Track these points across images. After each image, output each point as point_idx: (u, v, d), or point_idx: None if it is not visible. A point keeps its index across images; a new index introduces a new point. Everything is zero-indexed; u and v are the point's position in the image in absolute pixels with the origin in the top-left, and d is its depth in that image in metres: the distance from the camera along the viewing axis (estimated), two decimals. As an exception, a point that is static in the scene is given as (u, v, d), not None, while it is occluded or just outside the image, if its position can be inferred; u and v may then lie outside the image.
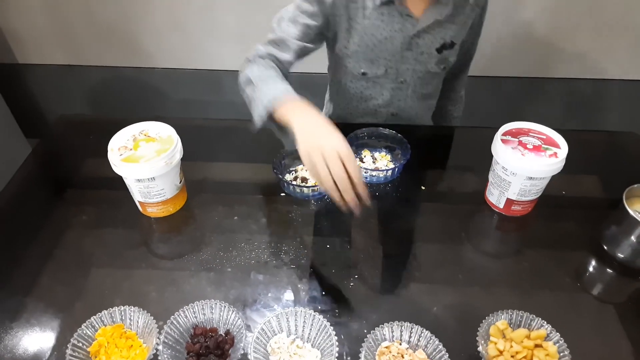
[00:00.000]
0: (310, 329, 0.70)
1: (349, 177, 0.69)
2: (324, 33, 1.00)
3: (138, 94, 1.80)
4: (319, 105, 1.29)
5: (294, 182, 0.93)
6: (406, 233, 0.90)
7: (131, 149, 0.83)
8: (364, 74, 1.04)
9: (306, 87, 1.72)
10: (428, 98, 1.15)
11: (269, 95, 0.81)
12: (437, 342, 0.67)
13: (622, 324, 0.75)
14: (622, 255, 0.82)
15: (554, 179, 0.85)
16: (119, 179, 0.85)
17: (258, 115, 0.82)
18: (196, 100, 1.82)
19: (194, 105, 1.82)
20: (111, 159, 0.82)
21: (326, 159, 0.69)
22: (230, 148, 1.09)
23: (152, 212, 0.89)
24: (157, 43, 1.67)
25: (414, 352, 0.68)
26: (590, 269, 0.84)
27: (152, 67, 1.73)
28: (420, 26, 0.95)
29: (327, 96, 1.27)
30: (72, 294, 0.77)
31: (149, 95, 1.80)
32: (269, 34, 0.96)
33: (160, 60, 1.72)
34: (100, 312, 0.69)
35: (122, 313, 0.70)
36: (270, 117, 0.81)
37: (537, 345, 0.67)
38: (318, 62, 1.66)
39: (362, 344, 0.66)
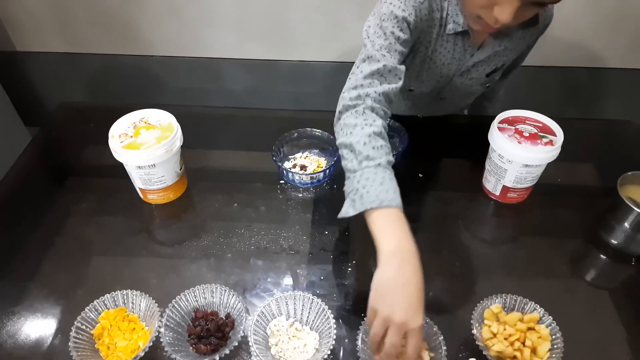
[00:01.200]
0: (309, 313, 0.71)
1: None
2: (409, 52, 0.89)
3: (137, 82, 1.80)
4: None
5: (293, 170, 0.94)
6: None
7: (132, 136, 0.84)
8: (410, 90, 1.02)
9: (304, 75, 1.74)
10: (463, 108, 1.16)
11: (372, 195, 0.66)
12: (432, 324, 0.68)
13: (615, 309, 0.77)
14: (615, 242, 0.84)
15: (550, 166, 0.86)
16: (120, 167, 0.86)
17: (351, 208, 0.68)
18: (195, 88, 1.81)
19: (192, 93, 1.82)
20: (112, 146, 0.83)
21: (390, 328, 0.60)
22: (230, 136, 1.10)
23: (153, 198, 0.90)
24: (155, 31, 1.66)
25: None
26: (584, 255, 0.86)
27: (150, 54, 1.73)
28: (479, 58, 0.92)
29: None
30: (74, 280, 0.79)
31: (148, 83, 1.80)
32: (366, 64, 0.78)
33: (159, 48, 1.72)
34: (103, 295, 0.71)
35: (125, 297, 0.72)
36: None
37: (530, 328, 0.69)
38: (318, 50, 1.67)
39: (360, 327, 0.68)
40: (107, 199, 0.93)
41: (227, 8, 1.59)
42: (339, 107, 0.77)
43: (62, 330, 0.71)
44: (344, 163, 0.72)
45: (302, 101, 1.83)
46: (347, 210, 0.68)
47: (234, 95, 1.81)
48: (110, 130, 0.85)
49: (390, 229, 0.64)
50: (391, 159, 0.71)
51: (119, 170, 0.87)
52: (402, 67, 0.79)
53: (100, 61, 1.74)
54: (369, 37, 0.81)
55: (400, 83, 0.79)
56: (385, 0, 0.82)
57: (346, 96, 0.76)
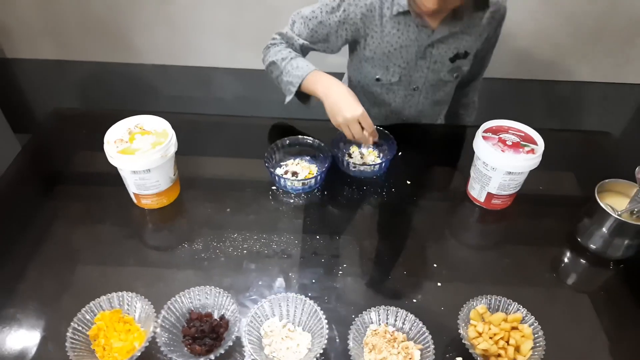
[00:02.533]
0: (302, 314, 0.73)
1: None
2: (335, 40, 1.05)
3: (127, 90, 1.81)
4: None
5: (285, 176, 0.96)
6: (392, 225, 0.94)
7: (127, 142, 0.86)
8: (378, 79, 1.07)
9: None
10: (439, 104, 1.19)
11: (295, 73, 0.98)
12: (420, 324, 0.71)
13: (594, 310, 0.81)
14: (594, 246, 0.88)
15: (532, 174, 0.90)
16: (112, 173, 0.88)
17: (289, 91, 1.00)
18: (186, 97, 1.84)
19: (183, 101, 1.84)
20: (107, 151, 0.85)
21: (350, 125, 0.91)
22: (222, 143, 1.12)
23: (147, 203, 0.92)
24: (146, 39, 1.69)
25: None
26: (565, 259, 0.90)
27: (141, 63, 1.75)
28: (435, 37, 0.98)
29: None
30: (68, 283, 0.80)
31: (138, 91, 1.81)
32: (285, 27, 1.08)
33: (150, 57, 1.74)
34: (99, 297, 0.72)
35: (120, 298, 0.73)
36: (297, 90, 0.99)
37: (513, 328, 0.72)
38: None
39: (351, 327, 0.70)
40: (100, 204, 0.94)
41: (218, 17, 1.62)
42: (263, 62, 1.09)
43: (57, 332, 0.72)
44: (273, 73, 1.06)
45: (291, 110, 1.85)
46: (287, 96, 1.02)
47: (224, 104, 1.83)
48: (105, 136, 0.86)
49: (315, 81, 0.97)
50: (299, 55, 1.05)
51: (112, 176, 0.89)
52: (300, 41, 1.05)
53: (91, 68, 1.76)
54: (301, 10, 1.05)
55: (297, 54, 1.04)
56: None
57: (263, 50, 1.08)
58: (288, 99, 1.01)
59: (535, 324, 0.71)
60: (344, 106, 0.91)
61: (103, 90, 1.81)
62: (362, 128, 0.92)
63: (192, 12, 1.61)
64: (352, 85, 1.19)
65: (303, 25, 1.04)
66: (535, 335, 0.71)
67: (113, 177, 0.90)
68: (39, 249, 0.85)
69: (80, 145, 1.08)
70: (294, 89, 0.99)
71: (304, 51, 1.08)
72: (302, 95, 1.05)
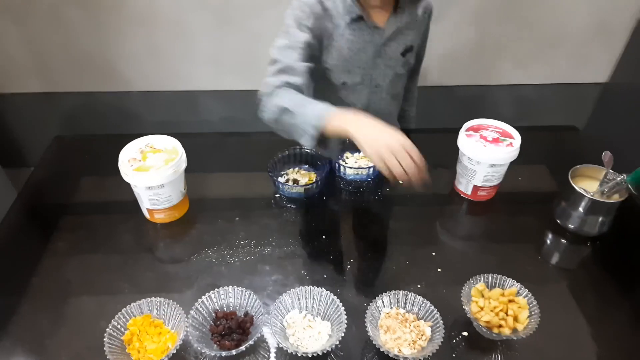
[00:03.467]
0: (319, 304, 0.79)
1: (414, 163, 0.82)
2: (316, 54, 1.07)
3: (116, 117, 1.85)
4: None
5: (287, 184, 1.03)
6: (390, 221, 1.02)
7: (140, 160, 0.91)
8: (344, 83, 1.15)
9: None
10: (397, 97, 1.29)
11: (314, 115, 0.87)
12: (428, 304, 0.78)
13: (576, 282, 0.90)
14: (572, 226, 0.97)
15: (511, 167, 1.00)
16: (122, 194, 0.95)
17: (309, 136, 0.87)
18: (173, 121, 1.89)
19: (171, 125, 1.90)
20: (122, 169, 0.90)
21: (396, 154, 0.80)
22: (223, 159, 1.18)
23: (160, 218, 0.97)
24: (134, 68, 1.74)
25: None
26: (547, 239, 0.99)
27: (129, 90, 1.80)
28: (387, 34, 1.08)
29: None
30: (101, 297, 0.84)
31: (127, 117, 1.86)
32: (271, 66, 0.98)
33: (137, 84, 1.79)
34: (130, 304, 0.77)
35: (149, 304, 0.78)
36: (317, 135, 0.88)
37: (510, 300, 0.80)
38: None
39: (366, 312, 0.77)
40: (115, 223, 0.99)
41: (203, 45, 1.69)
42: (262, 112, 0.97)
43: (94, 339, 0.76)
44: (284, 121, 0.91)
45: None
46: (306, 140, 0.89)
47: (211, 124, 1.90)
48: (119, 156, 0.92)
49: (341, 120, 0.86)
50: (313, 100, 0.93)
51: (122, 196, 0.96)
52: (301, 63, 0.98)
53: (80, 99, 1.79)
54: (274, 46, 1.00)
55: (301, 79, 0.97)
56: (288, 12, 1.02)
57: (262, 93, 0.97)
58: (307, 140, 0.89)
59: (529, 296, 0.80)
60: (384, 134, 0.82)
61: (94, 119, 1.85)
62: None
63: (177, 41, 1.68)
64: (316, 95, 1.19)
65: (293, 52, 0.99)
66: (530, 306, 0.79)
67: (124, 197, 0.96)
68: (69, 270, 0.89)
69: (86, 172, 1.12)
70: (312, 131, 0.87)
71: (306, 77, 1.01)
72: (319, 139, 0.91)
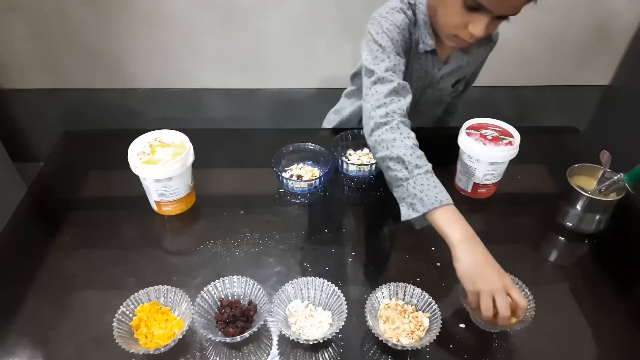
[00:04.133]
0: (321, 294, 0.82)
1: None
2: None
3: (122, 114, 1.88)
4: (322, 117, 1.42)
5: (292, 179, 1.06)
6: (390, 216, 1.04)
7: (149, 154, 0.94)
8: None
9: (281, 102, 1.87)
10: (434, 117, 1.30)
11: (431, 195, 0.80)
12: (427, 296, 0.81)
13: (572, 277, 0.93)
14: (570, 224, 0.99)
15: (511, 165, 1.02)
16: (130, 187, 0.99)
17: (412, 208, 0.82)
18: (178, 118, 1.92)
19: (176, 122, 1.91)
20: (132, 162, 0.93)
21: (496, 293, 0.73)
22: (229, 154, 1.21)
23: (167, 210, 1.00)
24: (140, 65, 1.77)
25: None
26: (545, 236, 1.01)
27: (135, 87, 1.83)
28: (445, 71, 1.08)
29: (339, 107, 1.35)
30: (112, 287, 0.87)
31: (134, 114, 1.89)
32: (380, 85, 0.92)
33: (144, 82, 1.82)
34: (138, 292, 0.79)
35: (157, 292, 0.80)
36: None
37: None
38: (293, 78, 1.81)
39: (366, 303, 0.79)
40: (123, 215, 1.02)
41: (208, 43, 1.72)
42: (370, 125, 0.90)
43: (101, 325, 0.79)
44: (392, 174, 0.85)
45: (280, 125, 1.96)
46: (409, 213, 0.82)
47: (216, 122, 1.92)
48: (129, 149, 0.95)
49: (454, 222, 0.80)
50: (431, 165, 0.85)
51: (130, 190, 0.99)
52: (407, 83, 0.94)
53: (86, 95, 1.82)
54: (373, 62, 0.94)
55: (410, 97, 0.93)
56: (377, 29, 0.96)
57: (375, 115, 0.89)
58: (410, 216, 0.83)
59: (525, 290, 0.82)
60: (492, 272, 0.75)
61: (101, 115, 1.88)
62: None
63: (183, 39, 1.71)
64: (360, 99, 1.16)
65: (395, 75, 0.93)
66: (527, 299, 0.81)
67: (132, 192, 1.00)
68: (76, 262, 0.92)
69: (95, 166, 1.15)
70: (422, 210, 0.80)
71: (403, 73, 0.98)
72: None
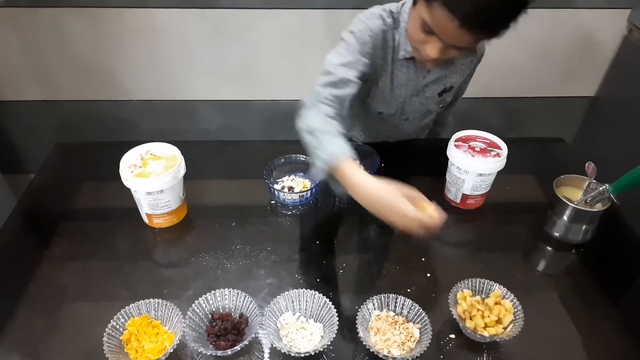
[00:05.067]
0: (312, 306, 0.82)
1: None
2: (368, 78, 1.07)
3: (115, 125, 1.88)
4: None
5: (284, 191, 1.06)
6: (381, 227, 1.05)
7: (141, 167, 0.94)
8: (380, 113, 1.19)
9: (273, 113, 1.88)
10: (423, 129, 1.33)
11: (328, 153, 0.86)
12: (417, 307, 0.81)
13: (560, 286, 0.94)
14: (557, 234, 1.01)
15: (499, 176, 1.04)
16: (121, 200, 0.99)
17: (319, 169, 0.88)
18: (171, 129, 1.92)
19: (169, 134, 1.93)
20: (123, 175, 0.93)
21: (408, 224, 0.79)
22: (220, 166, 1.21)
23: (158, 223, 1.00)
24: (133, 78, 1.77)
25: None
26: (533, 246, 1.03)
27: (128, 99, 1.83)
28: (429, 79, 1.11)
29: None
30: (101, 300, 0.87)
31: (126, 126, 1.89)
32: (323, 77, 0.97)
33: (136, 93, 1.82)
34: (128, 305, 0.79)
35: (147, 305, 0.80)
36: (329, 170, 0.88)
37: (496, 303, 0.83)
38: (285, 90, 1.82)
39: (357, 314, 0.79)
40: (114, 228, 1.02)
41: (201, 55, 1.73)
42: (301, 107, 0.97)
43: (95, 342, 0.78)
44: (306, 143, 0.91)
45: (272, 137, 1.97)
46: (317, 173, 0.89)
47: (209, 134, 1.93)
48: (120, 162, 0.95)
49: (351, 171, 0.84)
50: (342, 130, 0.92)
51: (122, 202, 0.99)
52: (355, 79, 0.97)
53: (78, 107, 1.82)
54: (331, 55, 1.00)
55: (352, 91, 0.98)
56: (349, 28, 1.02)
57: (306, 98, 0.96)
58: (316, 171, 0.90)
59: (515, 300, 0.83)
60: (398, 203, 0.80)
61: (93, 127, 1.88)
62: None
63: (175, 52, 1.72)
64: (350, 114, 1.22)
65: (347, 70, 0.97)
66: (515, 310, 0.82)
67: (123, 204, 1.00)
68: (66, 275, 0.92)
69: (86, 178, 1.15)
70: (322, 165, 0.87)
71: (357, 89, 1.00)
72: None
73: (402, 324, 0.81)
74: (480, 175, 1.01)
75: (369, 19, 1.02)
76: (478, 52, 1.15)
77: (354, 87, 0.98)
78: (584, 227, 0.98)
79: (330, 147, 0.87)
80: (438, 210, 0.83)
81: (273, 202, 1.08)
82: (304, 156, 1.12)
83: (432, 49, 0.91)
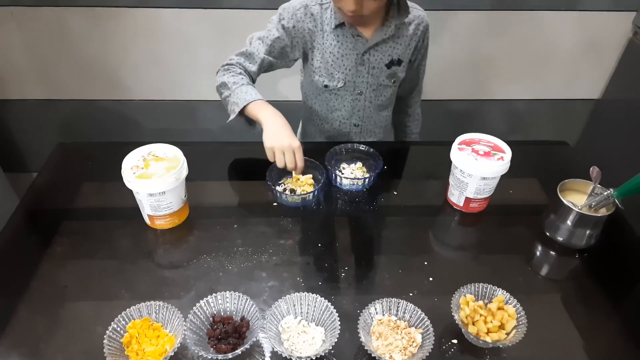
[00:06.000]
0: (314, 310, 0.82)
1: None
2: (290, 52, 1.22)
3: (117, 125, 1.88)
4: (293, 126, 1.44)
5: (286, 193, 1.06)
6: (383, 230, 1.05)
7: (143, 168, 0.94)
8: (326, 86, 1.24)
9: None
10: (383, 109, 1.34)
11: (241, 97, 1.10)
12: (419, 312, 0.81)
13: (563, 291, 0.93)
14: (561, 238, 1.00)
15: (502, 180, 1.03)
16: (123, 201, 0.98)
17: (233, 111, 1.11)
18: (173, 129, 1.92)
19: (170, 133, 1.93)
20: (125, 176, 0.93)
21: (285, 152, 1.02)
22: (222, 167, 1.21)
23: (160, 224, 0.99)
24: (136, 77, 1.77)
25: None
26: (536, 250, 1.02)
27: (130, 99, 1.83)
28: (369, 44, 1.16)
29: (301, 117, 1.45)
30: (103, 301, 0.87)
31: (129, 126, 1.89)
32: (240, 49, 1.19)
33: (139, 93, 1.82)
34: (129, 307, 0.79)
35: (148, 308, 0.80)
36: (242, 114, 1.12)
37: (499, 308, 0.82)
38: (286, 90, 1.82)
39: (359, 319, 0.79)
40: (116, 228, 1.01)
41: (203, 55, 1.73)
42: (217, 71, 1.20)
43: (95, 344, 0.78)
44: (222, 96, 1.17)
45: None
46: (230, 116, 1.13)
47: (211, 134, 1.93)
48: (122, 164, 0.95)
49: (262, 109, 1.09)
50: (250, 82, 1.16)
51: (123, 203, 0.98)
52: (263, 55, 1.18)
53: (81, 106, 1.82)
54: (253, 33, 1.19)
55: (255, 67, 1.19)
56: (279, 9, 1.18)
57: (222, 63, 1.20)
58: (231, 117, 1.13)
59: (518, 305, 0.82)
60: (284, 135, 1.04)
61: (96, 127, 1.88)
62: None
63: (178, 52, 1.72)
64: (306, 100, 1.35)
65: (261, 44, 1.18)
66: (518, 315, 0.81)
67: (125, 204, 0.99)
68: (68, 274, 0.91)
69: (88, 178, 1.15)
70: (237, 109, 1.09)
71: (264, 66, 1.22)
72: (248, 120, 1.17)
73: (404, 328, 0.81)
74: (484, 178, 1.00)
75: (299, 1, 1.15)
76: (422, 21, 1.20)
77: (259, 64, 1.18)
78: (588, 231, 0.98)
79: (242, 94, 1.10)
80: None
81: (275, 204, 1.08)
82: (305, 158, 1.11)
83: (348, 2, 1.01)
